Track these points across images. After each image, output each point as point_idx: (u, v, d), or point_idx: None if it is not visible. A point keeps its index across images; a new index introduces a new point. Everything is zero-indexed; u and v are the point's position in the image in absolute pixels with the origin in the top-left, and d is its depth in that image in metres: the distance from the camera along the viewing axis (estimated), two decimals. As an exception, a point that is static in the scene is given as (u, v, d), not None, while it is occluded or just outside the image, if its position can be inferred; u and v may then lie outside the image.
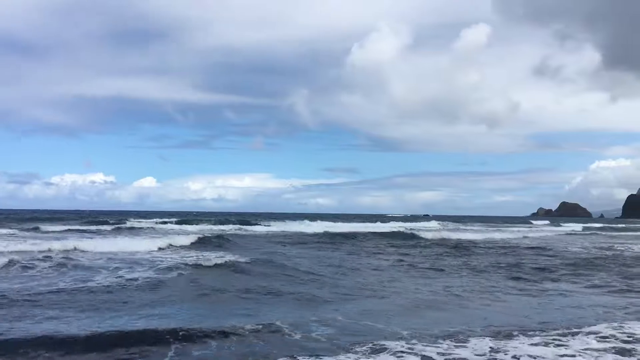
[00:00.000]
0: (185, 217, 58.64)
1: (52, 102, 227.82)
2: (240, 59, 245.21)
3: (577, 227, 58.07)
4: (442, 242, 28.64)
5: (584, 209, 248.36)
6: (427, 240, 30.73)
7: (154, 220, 50.89)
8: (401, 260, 18.84)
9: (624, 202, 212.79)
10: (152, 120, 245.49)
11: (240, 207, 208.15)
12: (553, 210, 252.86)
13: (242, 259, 17.14)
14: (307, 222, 48.55)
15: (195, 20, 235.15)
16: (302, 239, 29.32)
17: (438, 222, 57.89)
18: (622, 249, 24.89)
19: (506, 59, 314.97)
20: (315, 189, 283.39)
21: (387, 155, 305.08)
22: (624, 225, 68.43)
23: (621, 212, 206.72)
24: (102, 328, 7.78)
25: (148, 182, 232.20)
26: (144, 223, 46.04)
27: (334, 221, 55.95)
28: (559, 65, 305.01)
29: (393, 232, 35.18)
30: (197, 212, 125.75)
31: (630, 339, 7.62)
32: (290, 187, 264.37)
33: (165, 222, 47.52)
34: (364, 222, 56.37)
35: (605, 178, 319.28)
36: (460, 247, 25.10)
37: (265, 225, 44.65)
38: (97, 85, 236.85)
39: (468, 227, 47.60)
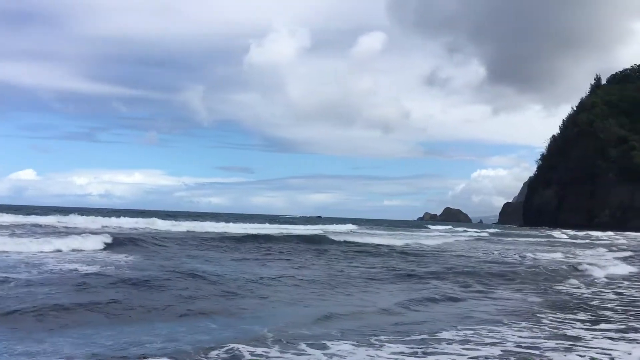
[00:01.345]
0: (70, 213, 52.86)
1: None
2: (133, 49, 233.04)
3: (482, 233, 59.59)
4: (361, 248, 27.22)
5: (465, 215, 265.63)
6: (341, 243, 28.97)
7: (34, 215, 45.12)
8: (326, 266, 17.28)
9: (500, 209, 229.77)
10: (29, 108, 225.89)
11: (129, 204, 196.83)
12: (438, 215, 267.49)
13: (139, 264, 14.69)
14: (216, 223, 45.56)
15: (86, 6, 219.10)
16: (208, 241, 26.60)
17: (355, 224, 56.85)
18: (533, 256, 25.18)
19: (400, 67, 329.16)
20: (208, 187, 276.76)
21: (282, 156, 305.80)
22: (517, 232, 72.34)
23: (498, 218, 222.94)
24: None
25: (26, 174, 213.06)
26: (20, 218, 40.48)
27: (232, 221, 53.30)
28: (448, 77, 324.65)
29: (307, 235, 33.32)
30: (82, 208, 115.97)
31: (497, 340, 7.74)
32: (182, 184, 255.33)
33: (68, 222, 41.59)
34: (265, 222, 54.16)
35: (485, 186, 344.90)
36: (374, 253, 23.92)
37: (174, 224, 40.74)
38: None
39: (383, 232, 47.09)
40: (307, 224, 55.37)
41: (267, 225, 47.03)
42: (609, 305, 11.52)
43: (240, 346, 6.87)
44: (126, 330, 7.77)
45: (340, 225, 54.50)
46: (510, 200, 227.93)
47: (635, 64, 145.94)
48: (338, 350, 6.99)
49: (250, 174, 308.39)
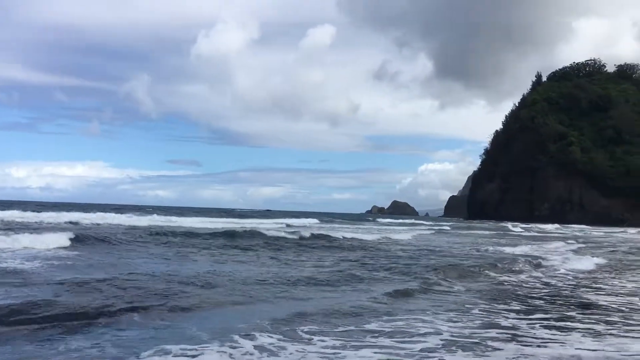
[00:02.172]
0: (7, 207, 49.56)
1: None
2: (77, 38, 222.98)
3: (443, 226, 58.92)
4: (332, 243, 26.37)
5: (412, 208, 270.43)
6: (312, 238, 27.73)
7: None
8: (298, 261, 16.50)
9: (446, 202, 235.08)
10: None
11: (71, 197, 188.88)
12: (385, 208, 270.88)
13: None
14: (178, 217, 43.71)
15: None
16: (166, 236, 24.85)
17: (314, 218, 55.92)
18: (501, 250, 25.42)
19: (349, 61, 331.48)
20: (155, 180, 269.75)
21: (231, 148, 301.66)
22: (473, 225, 72.94)
23: (443, 211, 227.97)
24: None
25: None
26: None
27: (185, 215, 51.52)
28: (396, 71, 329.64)
29: (271, 229, 32.19)
30: (21, 201, 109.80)
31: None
32: (127, 177, 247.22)
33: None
34: (220, 217, 52.71)
35: (431, 180, 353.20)
36: (348, 248, 23.41)
37: (130, 218, 38.30)
38: None
39: (348, 226, 46.19)
40: (266, 219, 54.24)
41: (227, 219, 45.65)
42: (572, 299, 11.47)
43: (171, 347, 6.64)
44: (42, 337, 6.98)
45: (301, 219, 53.57)
46: (455, 194, 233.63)
47: (573, 62, 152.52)
48: (270, 343, 6.91)
49: (198, 167, 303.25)
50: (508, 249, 25.42)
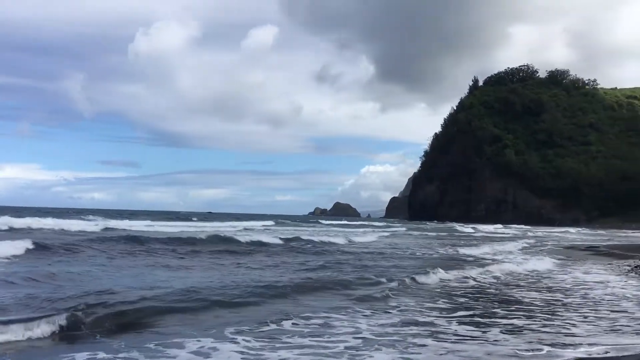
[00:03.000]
0: None
1: None
2: (5, 33, 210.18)
3: (400, 228, 57.95)
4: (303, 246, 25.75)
5: (354, 209, 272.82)
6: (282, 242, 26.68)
7: None
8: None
9: (387, 203, 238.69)
10: None
11: (1, 200, 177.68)
12: (328, 209, 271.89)
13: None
14: (140, 221, 41.53)
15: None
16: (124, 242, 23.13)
17: (273, 220, 54.77)
18: (464, 253, 25.73)
19: (291, 62, 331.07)
20: (91, 182, 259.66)
21: (170, 150, 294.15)
22: (425, 226, 72.90)
23: (385, 212, 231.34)
24: None
25: None
26: None
27: (128, 218, 49.36)
28: (338, 74, 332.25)
29: (228, 231, 30.91)
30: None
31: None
32: (61, 179, 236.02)
33: None
34: (163, 220, 50.89)
35: (373, 182, 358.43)
36: (322, 252, 23.00)
37: (89, 223, 35.59)
38: None
39: (301, 229, 45.01)
40: (219, 222, 52.79)
41: (175, 223, 44.00)
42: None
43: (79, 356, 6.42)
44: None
45: (257, 221, 52.46)
46: (396, 195, 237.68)
47: (508, 67, 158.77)
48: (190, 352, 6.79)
49: (137, 168, 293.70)
50: (469, 250, 25.70)
